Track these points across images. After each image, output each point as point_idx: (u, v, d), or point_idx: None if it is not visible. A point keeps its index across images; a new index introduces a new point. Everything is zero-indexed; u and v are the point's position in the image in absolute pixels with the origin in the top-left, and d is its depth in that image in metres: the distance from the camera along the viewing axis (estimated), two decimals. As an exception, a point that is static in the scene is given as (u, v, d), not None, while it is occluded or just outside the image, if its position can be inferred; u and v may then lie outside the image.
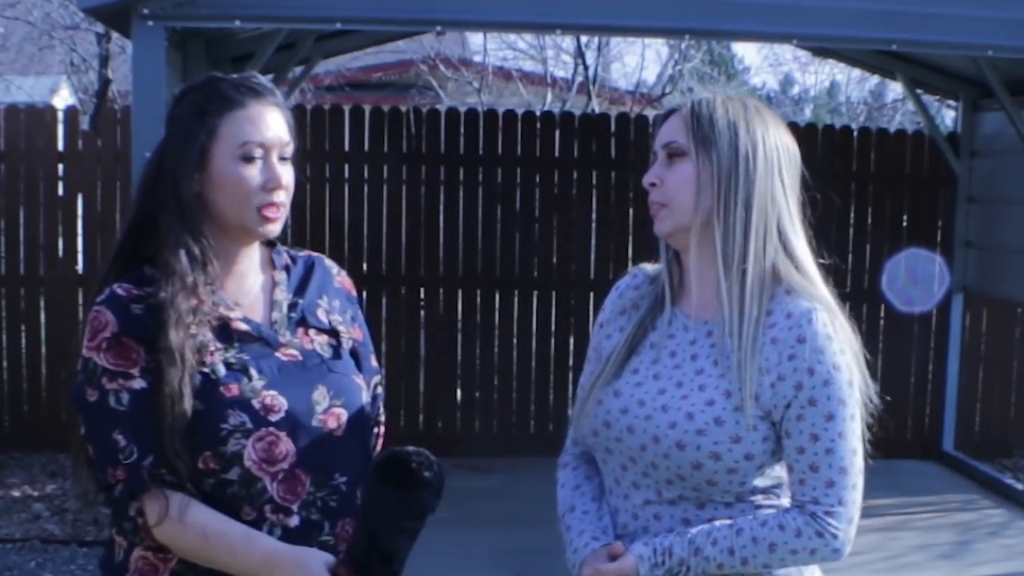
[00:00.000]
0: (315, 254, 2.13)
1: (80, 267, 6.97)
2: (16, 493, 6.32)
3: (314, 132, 7.00)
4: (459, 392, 7.33)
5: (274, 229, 1.96)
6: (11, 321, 6.92)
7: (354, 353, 2.06)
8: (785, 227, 1.99)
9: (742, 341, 1.93)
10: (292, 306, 2.01)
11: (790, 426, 1.93)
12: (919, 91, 7.74)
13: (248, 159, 1.92)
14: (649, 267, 2.15)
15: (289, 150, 1.97)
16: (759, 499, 1.98)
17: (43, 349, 6.90)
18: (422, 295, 7.32)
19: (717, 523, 1.94)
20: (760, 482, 1.97)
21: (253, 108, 1.93)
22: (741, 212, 1.95)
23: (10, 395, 6.91)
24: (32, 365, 6.91)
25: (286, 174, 1.95)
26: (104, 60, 9.87)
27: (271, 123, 1.94)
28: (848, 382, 1.94)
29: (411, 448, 1.88)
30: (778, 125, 2.03)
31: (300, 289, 2.04)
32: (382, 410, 2.14)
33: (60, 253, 6.93)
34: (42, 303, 6.91)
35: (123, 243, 1.97)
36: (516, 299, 7.30)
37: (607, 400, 2.02)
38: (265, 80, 2.01)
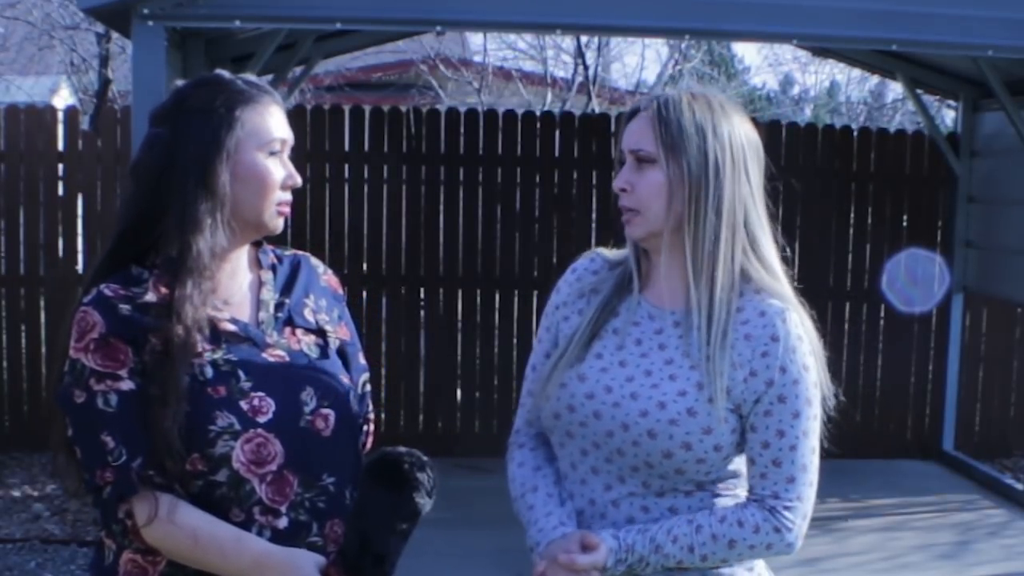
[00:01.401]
0: (301, 253, 2.12)
1: (80, 267, 6.97)
2: (16, 493, 6.32)
3: (314, 132, 7.00)
4: (459, 392, 7.33)
5: (281, 225, 1.98)
6: (11, 321, 6.92)
7: (341, 352, 2.05)
8: (753, 226, 2.00)
9: (712, 336, 1.95)
10: (279, 306, 2.00)
11: (757, 421, 1.96)
12: (919, 91, 7.75)
13: (272, 154, 1.94)
14: (607, 252, 2.15)
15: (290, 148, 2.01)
16: (719, 488, 2.01)
17: (43, 349, 6.89)
18: (422, 295, 7.32)
19: (677, 519, 1.96)
20: (722, 472, 2.00)
21: (270, 104, 1.95)
22: (712, 218, 1.97)
23: (10, 395, 6.92)
24: (32, 365, 6.91)
25: None
26: (104, 60, 9.88)
27: (284, 121, 1.98)
28: (814, 383, 1.98)
29: (403, 449, 1.88)
30: (742, 120, 2.03)
31: (287, 288, 2.03)
32: (371, 408, 2.12)
33: (60, 253, 6.94)
34: (42, 303, 6.91)
35: (119, 242, 1.95)
36: (516, 299, 7.30)
37: (571, 384, 2.02)
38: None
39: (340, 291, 2.13)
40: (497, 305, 7.27)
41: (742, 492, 2.03)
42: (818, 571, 4.96)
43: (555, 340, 2.11)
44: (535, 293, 7.27)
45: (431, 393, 7.29)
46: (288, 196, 1.96)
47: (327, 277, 2.12)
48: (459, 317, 7.24)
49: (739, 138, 2.00)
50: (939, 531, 5.97)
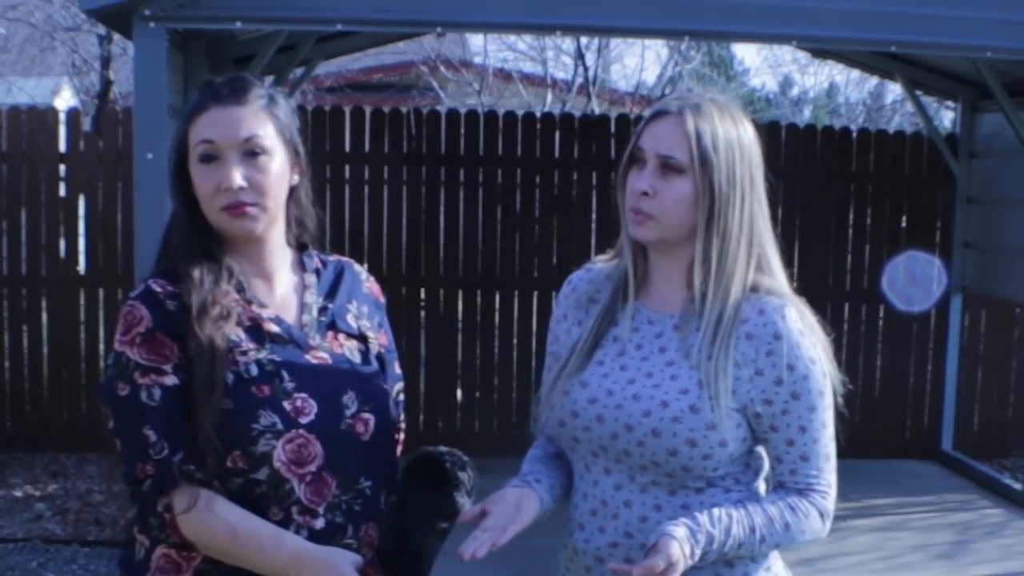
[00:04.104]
0: (345, 259, 2.14)
1: (82, 268, 6.99)
2: (18, 493, 6.33)
3: (315, 133, 7.00)
4: (459, 392, 7.35)
5: (247, 226, 1.92)
6: (13, 321, 6.93)
7: (380, 359, 2.07)
8: (761, 238, 2.03)
9: (717, 337, 1.97)
10: (322, 310, 2.02)
11: (776, 420, 1.99)
12: (918, 92, 7.75)
13: (205, 159, 1.92)
14: (602, 262, 2.17)
15: (256, 144, 1.92)
16: (729, 484, 2.02)
17: (45, 349, 6.91)
18: (422, 295, 7.33)
19: (723, 507, 1.96)
20: (730, 468, 2.01)
21: (213, 110, 1.93)
22: (731, 232, 1.99)
23: (12, 395, 6.92)
24: (34, 365, 6.92)
25: (245, 171, 1.91)
26: (106, 61, 9.88)
27: (226, 122, 1.91)
28: (823, 373, 2.01)
29: (444, 448, 1.89)
30: (752, 130, 2.05)
31: (330, 293, 2.05)
32: (403, 417, 2.14)
33: (62, 254, 6.95)
34: (44, 304, 6.92)
35: (164, 240, 2.01)
36: (516, 299, 7.31)
37: (573, 391, 2.05)
38: (245, 77, 1.99)
39: (381, 299, 2.16)
40: (497, 305, 7.29)
41: (754, 486, 2.05)
42: (817, 571, 4.98)
43: (559, 354, 2.14)
44: (535, 293, 7.29)
45: (431, 393, 7.31)
46: (235, 198, 1.90)
47: (369, 284, 2.14)
48: (459, 317, 7.26)
49: (754, 151, 2.02)
50: (937, 531, 5.98)
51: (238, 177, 1.89)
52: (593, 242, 7.27)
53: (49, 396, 6.92)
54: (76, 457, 6.78)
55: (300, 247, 2.06)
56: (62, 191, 6.95)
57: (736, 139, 1.99)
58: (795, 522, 1.99)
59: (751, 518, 1.96)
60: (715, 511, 1.95)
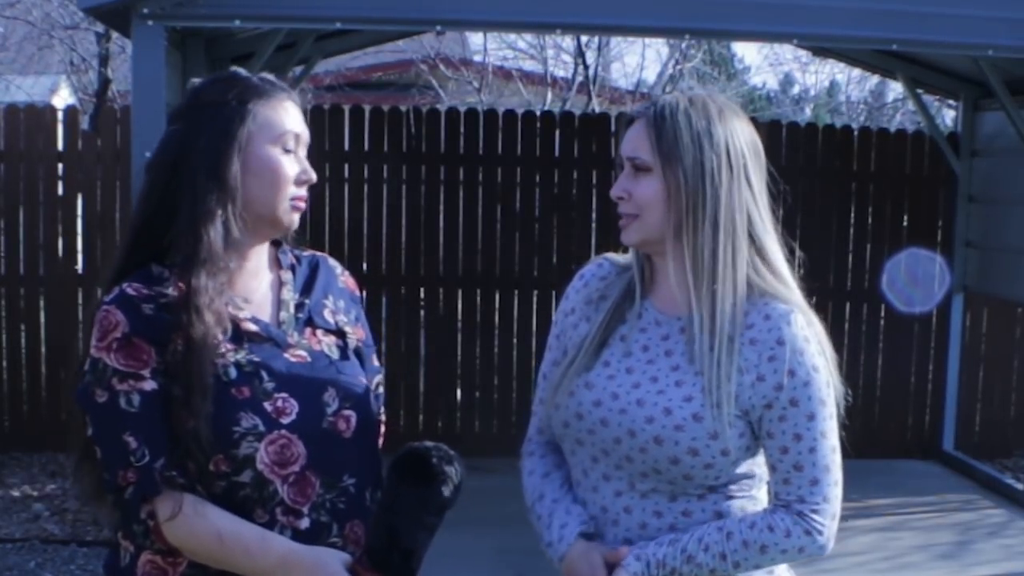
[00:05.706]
0: (319, 253, 2.11)
1: (80, 267, 6.97)
2: (16, 493, 6.32)
3: (314, 132, 6.83)
4: (459, 392, 7.34)
5: (296, 220, 1.97)
6: (11, 321, 6.92)
7: (357, 353, 2.05)
8: (758, 233, 1.99)
9: (716, 342, 1.94)
10: (299, 306, 2.00)
11: (772, 427, 1.95)
12: (919, 91, 7.74)
13: (286, 149, 1.94)
14: (616, 256, 2.15)
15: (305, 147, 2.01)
16: (732, 490, 2.00)
17: (43, 349, 6.90)
18: (422, 295, 7.32)
19: (707, 527, 1.95)
20: (733, 475, 1.99)
21: (284, 100, 1.96)
22: (709, 230, 1.95)
23: (10, 395, 6.91)
24: (32, 365, 6.90)
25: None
26: (104, 60, 9.88)
27: (301, 119, 1.98)
28: (826, 382, 1.97)
29: (430, 443, 1.87)
30: (742, 124, 2.01)
31: (306, 289, 2.03)
32: (383, 410, 2.12)
33: (60, 253, 6.93)
34: (42, 303, 6.91)
35: (135, 239, 1.93)
36: (516, 299, 7.30)
37: (579, 392, 2.02)
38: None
39: (357, 292, 2.13)
40: (497, 305, 7.27)
41: (757, 492, 2.03)
42: (818, 571, 4.95)
43: (564, 348, 2.11)
44: (535, 293, 7.28)
45: (431, 393, 7.29)
46: (303, 192, 1.96)
47: (345, 278, 2.12)
48: (459, 317, 7.24)
49: (738, 144, 1.97)
50: (939, 531, 5.97)
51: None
52: (593, 241, 7.25)
53: (47, 396, 6.90)
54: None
55: (275, 243, 2.04)
56: (60, 190, 6.94)
57: (706, 132, 1.95)
58: (772, 543, 1.94)
59: (723, 544, 1.93)
60: (683, 539, 1.94)
